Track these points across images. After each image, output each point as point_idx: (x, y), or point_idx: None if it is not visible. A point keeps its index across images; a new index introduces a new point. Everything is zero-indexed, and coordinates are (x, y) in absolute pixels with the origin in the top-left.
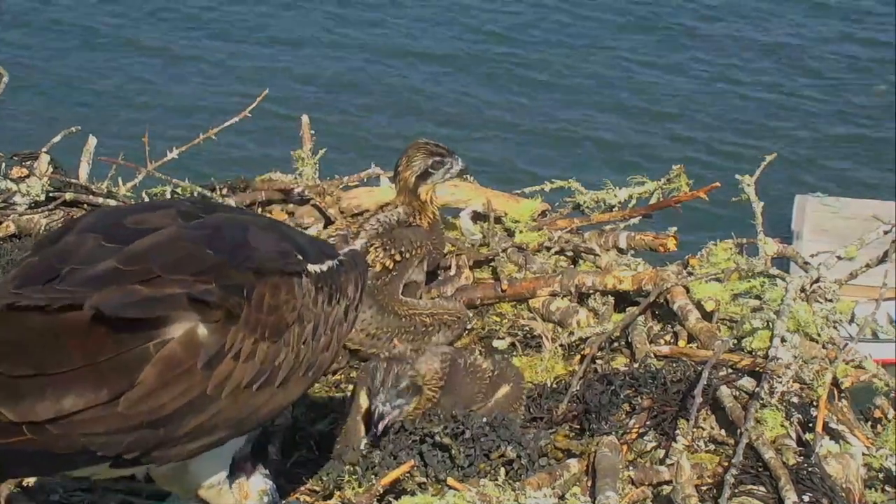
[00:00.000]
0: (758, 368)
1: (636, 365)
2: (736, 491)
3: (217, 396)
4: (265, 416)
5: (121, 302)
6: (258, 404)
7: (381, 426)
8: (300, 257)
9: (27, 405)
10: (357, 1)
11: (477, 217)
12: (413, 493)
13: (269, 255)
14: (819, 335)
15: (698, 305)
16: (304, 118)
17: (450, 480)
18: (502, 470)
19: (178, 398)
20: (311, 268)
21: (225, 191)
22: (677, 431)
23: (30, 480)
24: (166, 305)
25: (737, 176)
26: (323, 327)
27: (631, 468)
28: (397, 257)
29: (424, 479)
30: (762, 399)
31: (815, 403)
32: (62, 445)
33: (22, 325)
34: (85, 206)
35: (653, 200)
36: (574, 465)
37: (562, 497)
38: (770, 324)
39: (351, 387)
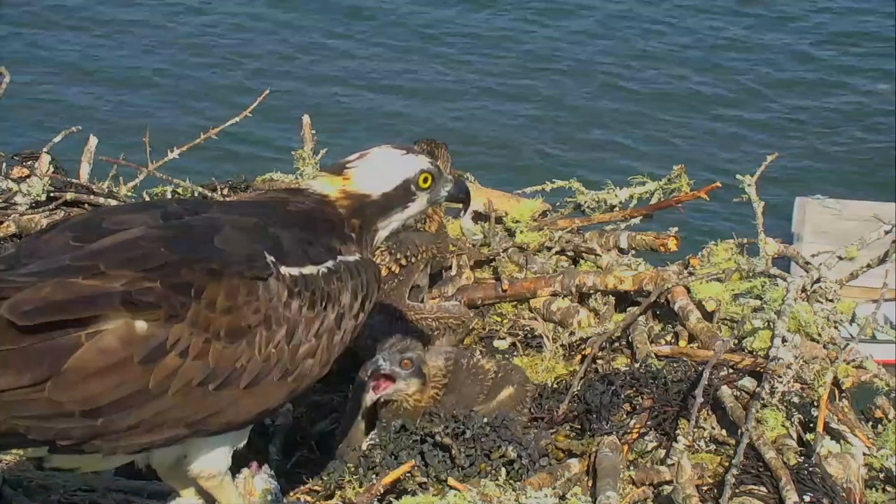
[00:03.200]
0: (758, 368)
1: (637, 365)
2: (737, 491)
3: (162, 393)
4: (235, 418)
5: (47, 301)
6: (221, 405)
7: (371, 390)
8: (272, 259)
9: None
10: (359, 2)
11: (478, 217)
12: (414, 493)
13: (232, 257)
14: (820, 335)
15: (699, 305)
16: (306, 118)
17: (450, 480)
18: (503, 470)
19: (114, 390)
20: (287, 271)
21: (226, 191)
22: (678, 431)
23: (30, 479)
24: (96, 305)
25: (737, 176)
26: (303, 333)
27: (632, 468)
28: (403, 262)
29: (425, 479)
30: (763, 399)
31: (815, 403)
32: None
33: None
34: (86, 205)
35: (654, 200)
36: (575, 465)
37: (563, 497)
38: (771, 324)
39: (352, 387)
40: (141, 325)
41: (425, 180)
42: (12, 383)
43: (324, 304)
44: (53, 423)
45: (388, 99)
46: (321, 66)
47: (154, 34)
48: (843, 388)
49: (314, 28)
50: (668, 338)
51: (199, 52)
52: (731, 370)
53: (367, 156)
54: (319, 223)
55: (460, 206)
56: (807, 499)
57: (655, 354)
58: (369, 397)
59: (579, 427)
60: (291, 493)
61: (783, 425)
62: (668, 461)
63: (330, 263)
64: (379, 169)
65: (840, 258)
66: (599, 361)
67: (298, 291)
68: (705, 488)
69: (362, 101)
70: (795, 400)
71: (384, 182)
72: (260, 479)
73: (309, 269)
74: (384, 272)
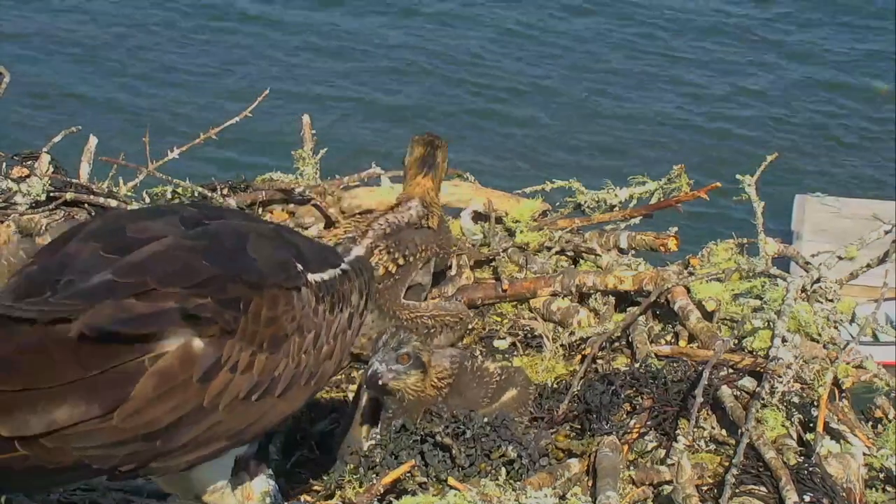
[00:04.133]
0: (758, 368)
1: (637, 365)
2: (737, 491)
3: (214, 409)
4: (267, 425)
5: (112, 319)
6: (259, 414)
7: (372, 384)
8: (300, 267)
9: (19, 420)
10: (358, 4)
11: (477, 217)
12: (414, 493)
13: (268, 267)
14: (820, 335)
15: (699, 305)
16: (306, 118)
17: (450, 480)
18: (503, 470)
19: (174, 411)
20: (312, 277)
21: (225, 191)
22: (678, 431)
23: None
24: (159, 322)
25: (737, 176)
26: (325, 336)
27: (632, 468)
28: (400, 261)
29: (425, 479)
30: (763, 399)
31: (815, 403)
32: (56, 460)
33: (13, 339)
34: (85, 205)
35: (653, 200)
36: (575, 464)
37: (563, 497)
38: (771, 324)
39: (352, 387)
40: (198, 343)
41: None
42: (84, 415)
43: (341, 306)
44: (118, 450)
45: (389, 99)
46: (322, 68)
47: (154, 35)
48: (843, 388)
49: (314, 29)
50: (668, 338)
51: (201, 53)
52: (731, 370)
53: None
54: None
55: None
56: (807, 499)
57: (655, 354)
58: (369, 391)
59: (579, 427)
60: (291, 493)
61: (783, 425)
62: (668, 461)
63: (343, 265)
64: None
65: (840, 258)
66: (599, 361)
67: (322, 296)
68: (705, 488)
69: (363, 101)
70: (795, 400)
71: None
72: (258, 481)
73: (328, 274)
74: (381, 271)
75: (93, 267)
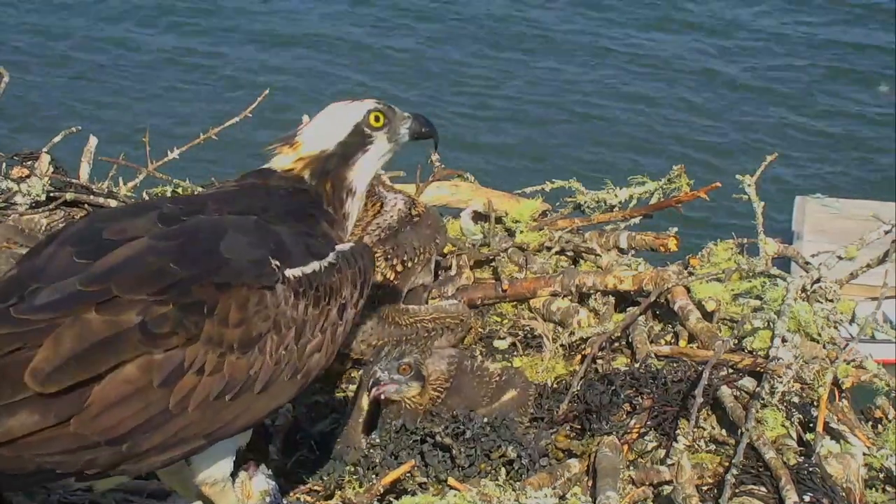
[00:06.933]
0: (758, 368)
1: (637, 365)
2: (737, 491)
3: (182, 411)
4: (252, 419)
5: (68, 356)
6: (238, 411)
7: (373, 391)
8: (277, 263)
9: None
10: (359, 2)
11: (477, 217)
12: (414, 493)
13: (240, 266)
14: (820, 335)
15: (699, 305)
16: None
17: (450, 480)
18: (503, 470)
19: (136, 416)
20: (291, 273)
21: None
22: (678, 431)
23: None
24: (115, 351)
25: (737, 176)
26: (310, 331)
27: (632, 468)
28: (399, 268)
29: (425, 479)
30: (763, 399)
31: (815, 403)
32: (15, 466)
33: None
34: (86, 206)
35: (653, 200)
36: (575, 464)
37: (562, 497)
38: (771, 324)
39: (351, 387)
40: (157, 354)
41: (377, 119)
42: (39, 424)
43: (327, 299)
44: (80, 455)
45: (389, 100)
46: (321, 68)
47: (154, 35)
48: (843, 388)
49: (314, 30)
50: (668, 338)
51: (200, 53)
52: (731, 370)
53: (314, 118)
54: (307, 206)
55: (432, 142)
56: (807, 499)
57: (655, 354)
58: (369, 397)
59: (579, 427)
60: (291, 493)
61: (783, 425)
62: (668, 461)
63: (331, 256)
64: (326, 123)
65: (840, 258)
66: (599, 361)
67: (303, 291)
68: (705, 488)
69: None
70: (795, 400)
71: (335, 133)
72: (258, 481)
73: (312, 267)
74: (379, 279)
75: (64, 273)
